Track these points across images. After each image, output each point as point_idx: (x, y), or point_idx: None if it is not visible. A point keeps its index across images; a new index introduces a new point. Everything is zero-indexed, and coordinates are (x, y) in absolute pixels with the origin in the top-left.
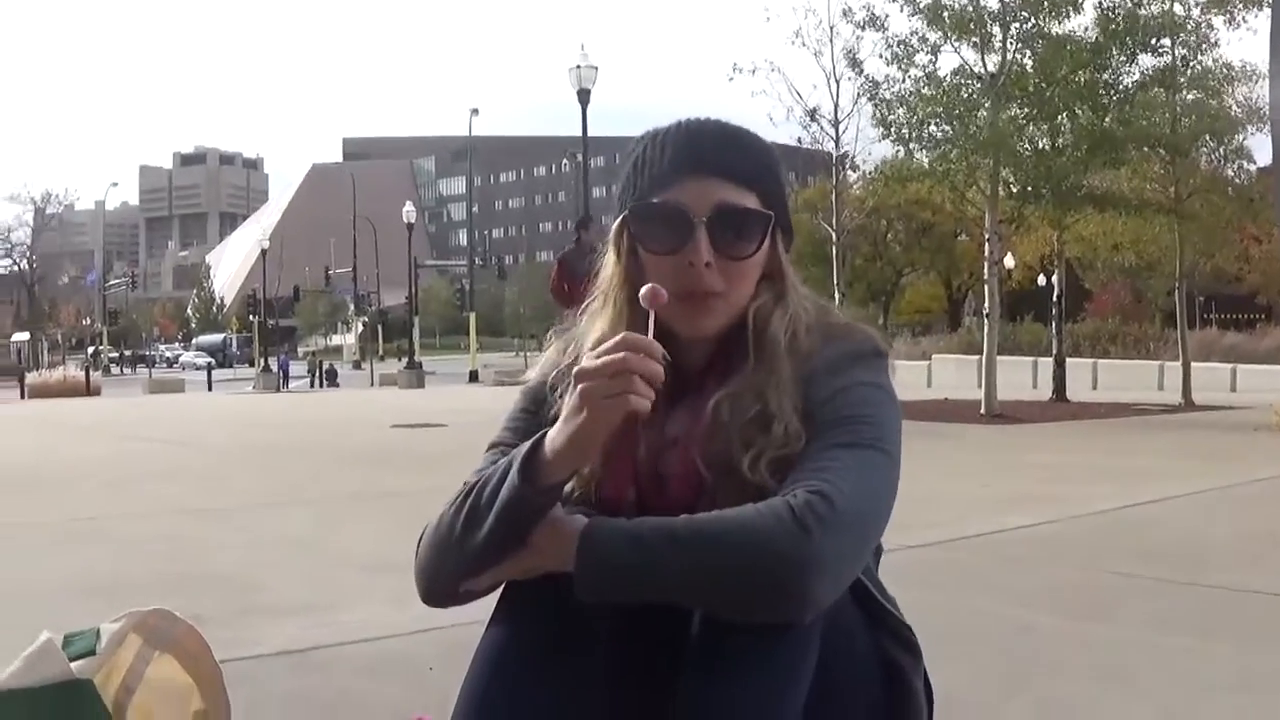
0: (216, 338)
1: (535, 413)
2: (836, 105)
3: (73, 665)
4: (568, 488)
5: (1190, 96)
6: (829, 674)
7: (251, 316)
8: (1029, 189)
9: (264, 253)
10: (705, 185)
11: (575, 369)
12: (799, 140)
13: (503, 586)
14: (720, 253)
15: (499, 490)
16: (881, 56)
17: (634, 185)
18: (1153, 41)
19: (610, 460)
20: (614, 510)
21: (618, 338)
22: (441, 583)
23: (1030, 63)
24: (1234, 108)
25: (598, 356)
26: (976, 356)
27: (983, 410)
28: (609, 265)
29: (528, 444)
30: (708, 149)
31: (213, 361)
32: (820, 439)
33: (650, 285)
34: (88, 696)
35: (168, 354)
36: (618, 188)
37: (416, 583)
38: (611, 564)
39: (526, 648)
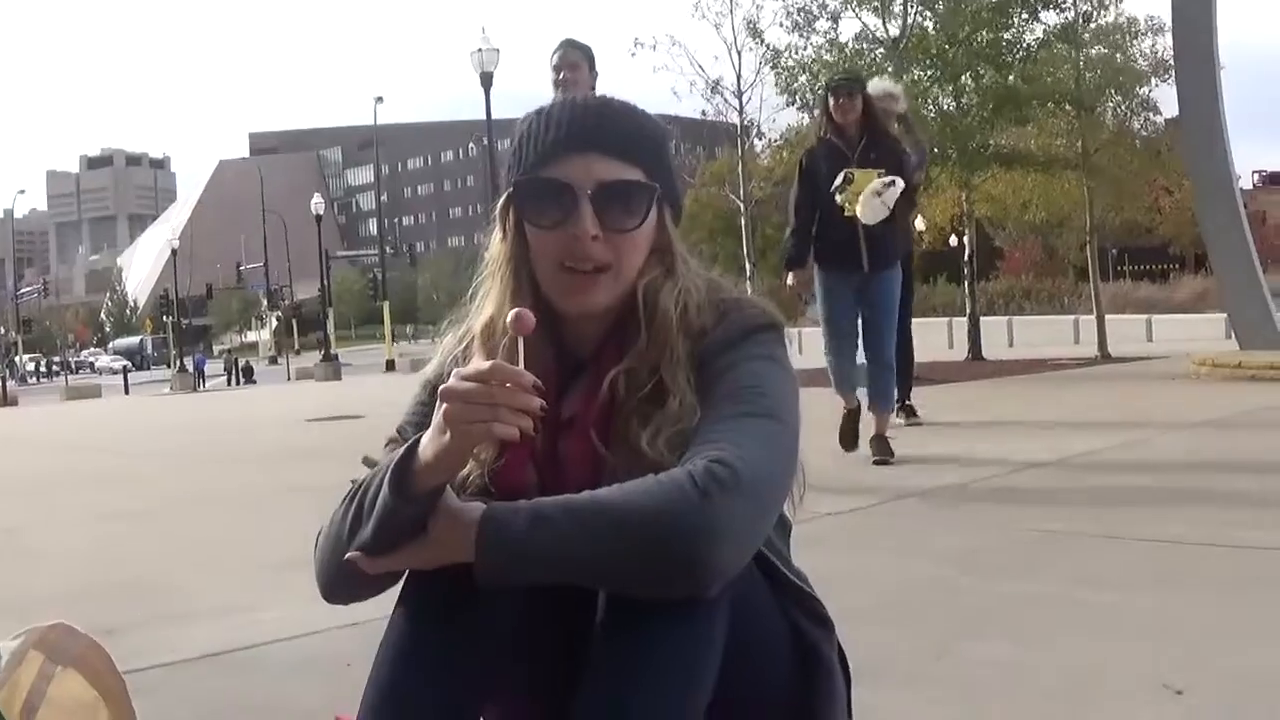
0: (132, 340)
1: (432, 404)
2: (739, 76)
3: None
4: (465, 473)
5: (1094, 51)
6: (739, 650)
7: (165, 317)
8: (935, 150)
9: (174, 252)
10: (589, 160)
11: (441, 388)
12: (703, 113)
13: (405, 575)
14: (606, 226)
15: (377, 498)
16: (782, 25)
17: (519, 161)
18: None
19: (506, 446)
20: (514, 496)
21: (487, 366)
22: (338, 583)
23: (932, 25)
24: (1139, 60)
25: (464, 378)
26: None
27: None
28: (495, 243)
29: (400, 452)
30: (591, 124)
31: (129, 365)
32: (715, 411)
33: (516, 310)
34: None
35: (86, 359)
36: (505, 166)
37: (317, 581)
38: (512, 546)
39: (431, 637)
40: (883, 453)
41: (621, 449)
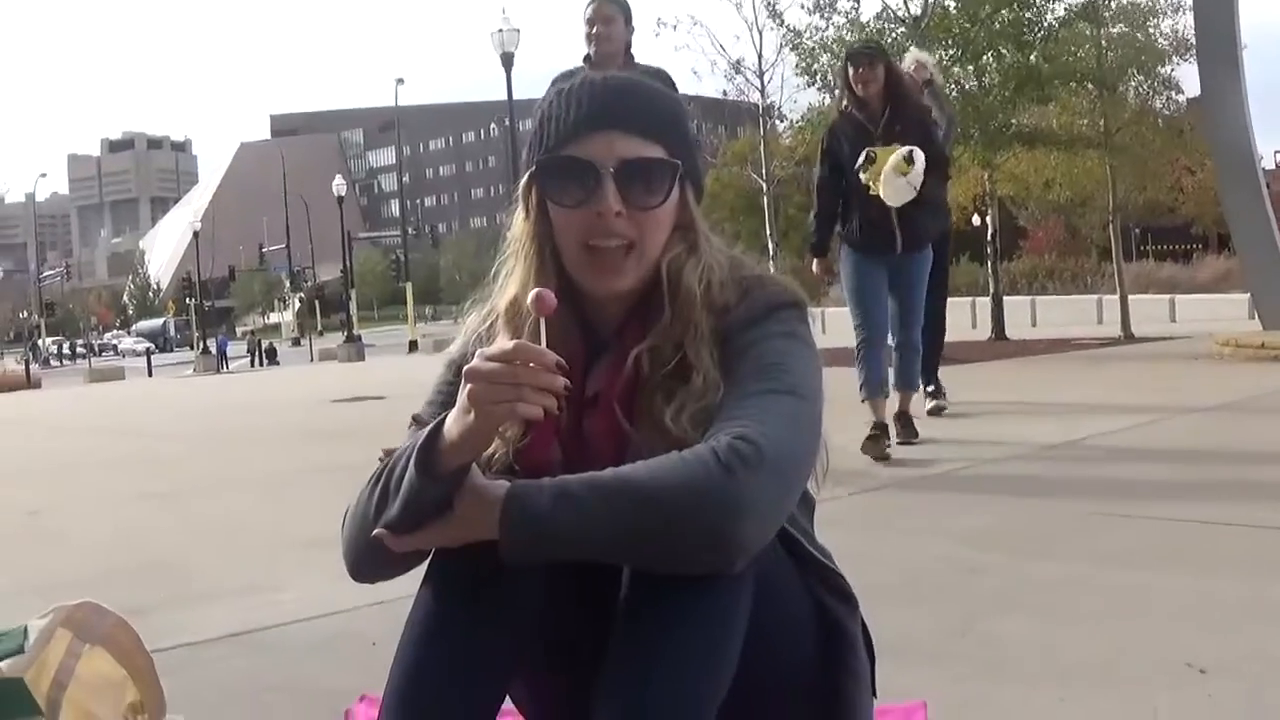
0: (155, 323)
1: (457, 384)
2: (760, 56)
3: (2, 664)
4: (491, 451)
5: (1116, 30)
6: (763, 626)
7: (188, 299)
8: (958, 130)
9: (196, 235)
10: (611, 137)
11: (465, 368)
12: (724, 93)
13: (431, 554)
14: (629, 203)
15: (403, 477)
16: (803, 6)
17: (541, 140)
18: None
19: (532, 424)
20: (539, 473)
21: (510, 345)
22: (365, 561)
23: (953, 4)
24: (1160, 39)
25: (488, 358)
26: None
27: None
28: (518, 222)
29: (426, 432)
30: (612, 102)
31: (152, 347)
32: (738, 388)
33: (536, 291)
34: (19, 695)
35: (110, 341)
36: (526, 145)
37: (345, 560)
38: (536, 523)
39: (456, 615)
40: (907, 433)
41: (646, 425)
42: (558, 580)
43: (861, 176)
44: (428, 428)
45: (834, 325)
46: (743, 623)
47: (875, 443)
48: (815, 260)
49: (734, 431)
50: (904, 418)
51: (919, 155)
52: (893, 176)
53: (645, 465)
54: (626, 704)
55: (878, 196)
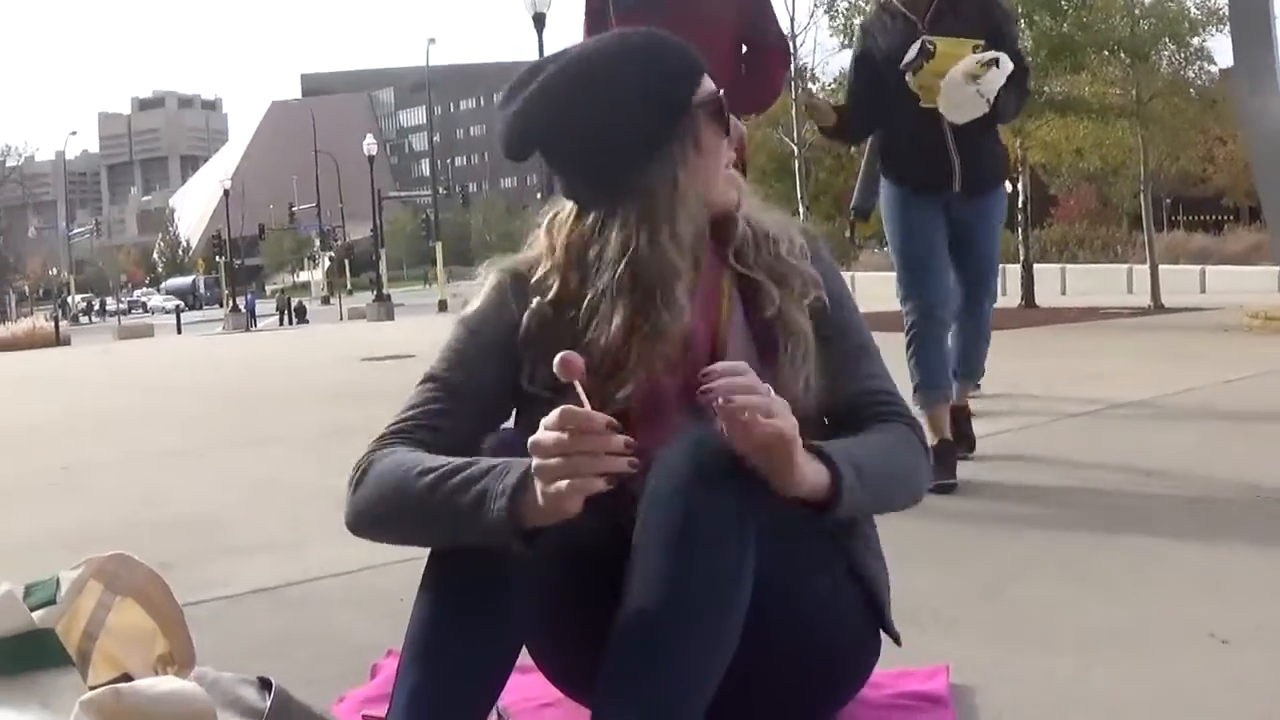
0: (185, 280)
1: (468, 345)
2: (793, 18)
3: (34, 615)
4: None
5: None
6: (784, 586)
7: (217, 257)
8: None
9: (226, 193)
10: None
11: (530, 439)
12: None
13: None
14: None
15: (478, 513)
16: None
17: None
18: None
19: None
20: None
21: (556, 415)
22: (387, 535)
23: None
24: (1192, 9)
25: (546, 427)
26: None
27: None
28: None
29: (514, 478)
30: None
31: (181, 304)
32: (852, 340)
33: (562, 355)
34: (50, 646)
35: (139, 299)
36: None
37: (351, 510)
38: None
39: (471, 576)
40: (960, 442)
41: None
42: (570, 541)
43: (909, 80)
44: (516, 475)
45: (866, 290)
46: (749, 583)
47: (941, 464)
48: (852, 224)
49: (899, 408)
50: (958, 413)
51: (1005, 61)
52: (960, 83)
53: (886, 448)
54: (632, 666)
55: (929, 112)
